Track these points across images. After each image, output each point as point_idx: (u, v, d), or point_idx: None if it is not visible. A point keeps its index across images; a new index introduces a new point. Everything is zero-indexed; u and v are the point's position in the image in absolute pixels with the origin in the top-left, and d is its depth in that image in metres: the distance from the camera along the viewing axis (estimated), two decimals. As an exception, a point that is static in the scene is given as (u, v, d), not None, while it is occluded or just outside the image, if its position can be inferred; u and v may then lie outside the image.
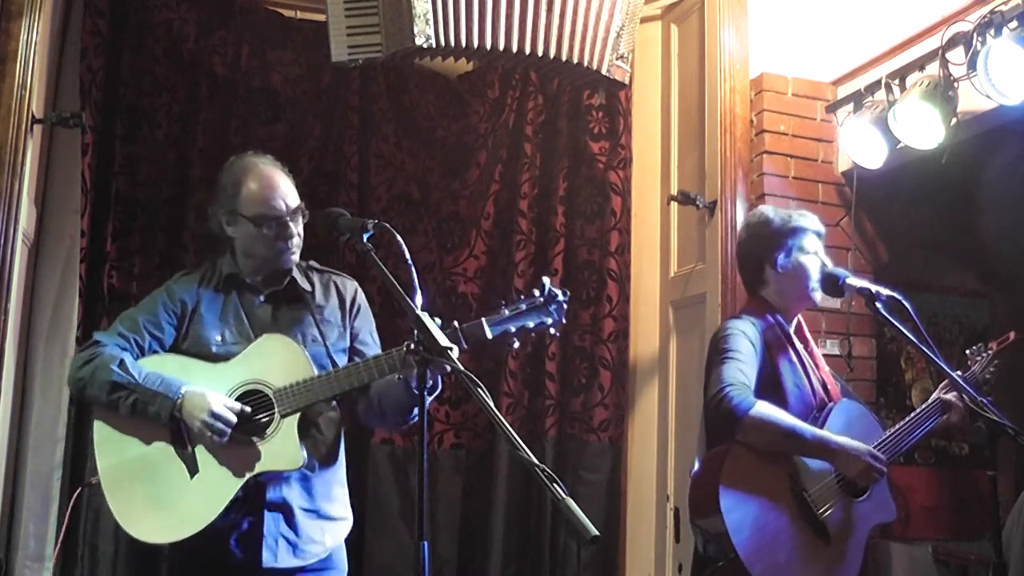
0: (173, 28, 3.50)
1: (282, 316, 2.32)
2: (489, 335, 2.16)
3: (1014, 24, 2.74)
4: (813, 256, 2.56)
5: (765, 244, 2.60)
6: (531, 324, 2.20)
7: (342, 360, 2.30)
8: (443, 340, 1.71)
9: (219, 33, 3.57)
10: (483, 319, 2.17)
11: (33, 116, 2.89)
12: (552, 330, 2.23)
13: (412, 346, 1.75)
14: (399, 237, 1.95)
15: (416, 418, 2.25)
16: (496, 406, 1.60)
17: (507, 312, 2.19)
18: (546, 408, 3.65)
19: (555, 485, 1.43)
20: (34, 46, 2.87)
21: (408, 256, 1.91)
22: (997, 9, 2.83)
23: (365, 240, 1.99)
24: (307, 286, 2.35)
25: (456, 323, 2.16)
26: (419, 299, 1.79)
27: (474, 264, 3.75)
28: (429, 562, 1.59)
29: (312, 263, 2.42)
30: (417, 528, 1.61)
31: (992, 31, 2.79)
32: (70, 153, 3.29)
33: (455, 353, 2.05)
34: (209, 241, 3.12)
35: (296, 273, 2.35)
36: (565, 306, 2.23)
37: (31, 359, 3.19)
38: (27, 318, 3.18)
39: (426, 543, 1.60)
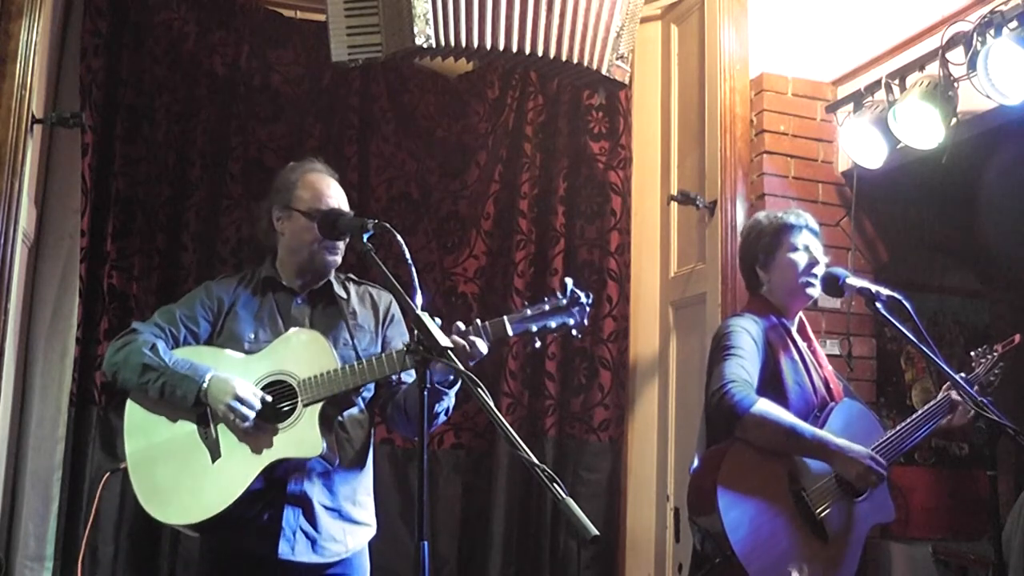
0: (173, 28, 3.51)
1: (317, 318, 2.35)
2: (511, 332, 2.18)
3: (1014, 24, 2.74)
4: (802, 251, 2.57)
5: (755, 245, 2.63)
6: (553, 325, 2.22)
7: None
8: (443, 340, 1.71)
9: (219, 33, 3.57)
10: (504, 317, 2.19)
11: (33, 116, 2.89)
12: (575, 331, 2.26)
13: (412, 346, 1.74)
14: (399, 237, 1.96)
15: (442, 422, 2.30)
16: (496, 406, 1.60)
17: (529, 312, 2.22)
18: (546, 408, 3.65)
19: (555, 485, 1.43)
20: (34, 46, 2.87)
21: (408, 256, 1.91)
22: (997, 9, 2.83)
23: (365, 240, 2.00)
24: (343, 294, 2.39)
25: (479, 320, 2.18)
26: (419, 299, 1.80)
27: (474, 264, 3.75)
28: (429, 562, 1.59)
29: (351, 276, 2.47)
30: (417, 528, 1.60)
31: (992, 31, 2.79)
32: (70, 153, 3.29)
33: (484, 348, 2.13)
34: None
35: (333, 280, 2.38)
36: (588, 308, 2.27)
37: (31, 359, 3.19)
38: (27, 318, 3.18)
39: (426, 543, 1.60)
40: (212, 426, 2.20)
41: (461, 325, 2.17)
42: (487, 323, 2.18)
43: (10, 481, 3.08)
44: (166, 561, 3.22)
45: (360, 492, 2.36)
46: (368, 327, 2.38)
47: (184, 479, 2.19)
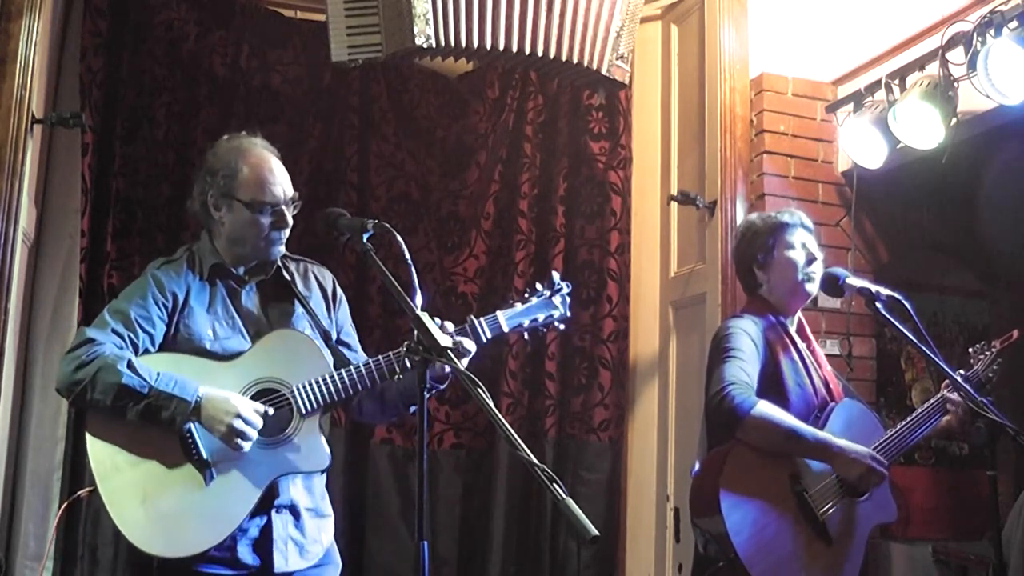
0: (173, 28, 3.50)
1: (271, 308, 2.24)
2: (506, 328, 2.20)
3: (1014, 24, 2.74)
4: (799, 249, 2.57)
5: (751, 246, 2.63)
6: (541, 318, 2.26)
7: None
8: (443, 340, 1.70)
9: (219, 33, 3.56)
10: (498, 312, 2.21)
11: (33, 116, 2.88)
12: (559, 324, 2.30)
13: (411, 346, 1.74)
14: (399, 237, 1.95)
15: (413, 410, 2.24)
16: (496, 406, 1.60)
17: (520, 306, 2.24)
18: (546, 408, 3.65)
19: (555, 485, 1.43)
20: (34, 46, 2.86)
21: (408, 256, 1.90)
22: (997, 9, 2.83)
23: (365, 240, 1.98)
24: (287, 276, 2.27)
25: (472, 317, 2.17)
26: (419, 299, 1.79)
27: (474, 264, 3.75)
28: (429, 562, 1.59)
29: (285, 252, 2.30)
30: (417, 528, 1.60)
31: (992, 31, 2.79)
32: (70, 153, 3.29)
33: (472, 348, 2.12)
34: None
35: (279, 263, 2.28)
36: (568, 299, 2.30)
37: (31, 359, 3.19)
38: (27, 318, 3.18)
39: (426, 543, 1.59)
40: (199, 445, 2.03)
41: (450, 326, 2.14)
42: (482, 320, 2.18)
43: (10, 481, 3.07)
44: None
45: (323, 483, 2.29)
46: (321, 312, 2.29)
47: (177, 508, 2.01)
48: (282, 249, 2.25)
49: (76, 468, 3.16)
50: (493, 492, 3.57)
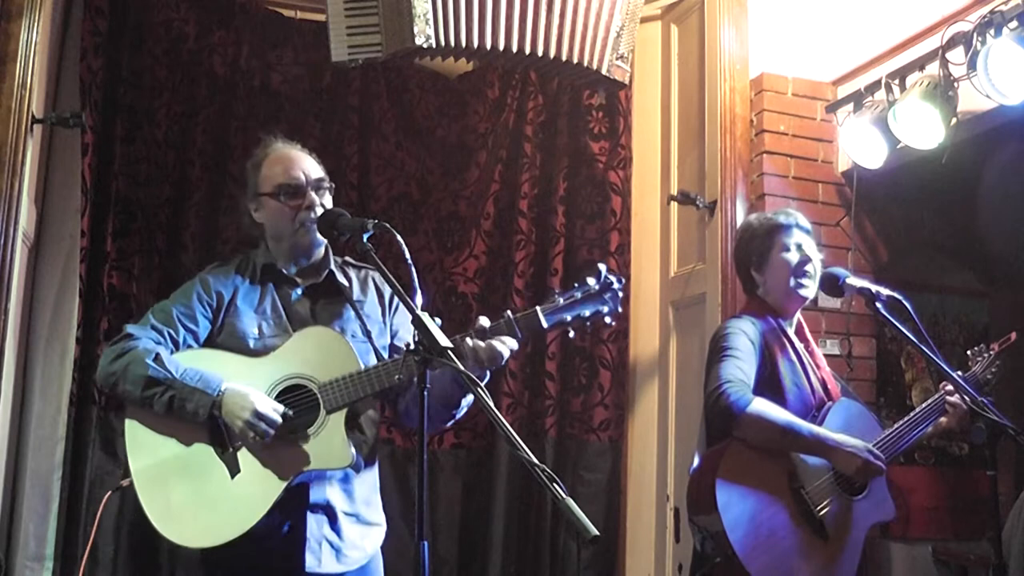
0: (173, 28, 3.51)
1: (320, 310, 2.25)
2: (545, 324, 2.12)
3: (1014, 24, 2.74)
4: (793, 251, 2.57)
5: (748, 248, 2.64)
6: (587, 313, 2.15)
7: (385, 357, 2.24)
8: (443, 340, 1.70)
9: (219, 33, 3.57)
10: (537, 308, 2.13)
11: (33, 116, 2.89)
12: (608, 319, 2.19)
13: (412, 346, 1.73)
14: (399, 237, 1.94)
15: (460, 415, 2.23)
16: (496, 406, 1.60)
17: (562, 301, 2.14)
18: (546, 408, 3.65)
19: (555, 485, 1.43)
20: (34, 46, 2.87)
21: (408, 256, 1.90)
22: (997, 9, 2.83)
23: (365, 240, 1.98)
24: (344, 281, 2.29)
25: (509, 313, 2.12)
26: (419, 299, 1.79)
27: (474, 264, 3.75)
28: (429, 562, 1.59)
29: (347, 259, 2.36)
30: (417, 528, 1.60)
31: (992, 31, 2.79)
32: (70, 153, 3.29)
33: (509, 346, 2.07)
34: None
35: (334, 268, 2.29)
36: (620, 294, 2.19)
37: (31, 359, 3.19)
38: (27, 318, 3.18)
39: (426, 543, 1.59)
40: (228, 440, 2.08)
41: (485, 322, 2.09)
42: (519, 316, 2.12)
43: (10, 481, 3.08)
44: (166, 561, 3.21)
45: (372, 492, 2.30)
46: (375, 316, 2.29)
47: (202, 498, 2.06)
48: (319, 236, 2.22)
49: (76, 468, 3.17)
50: (493, 492, 3.57)
